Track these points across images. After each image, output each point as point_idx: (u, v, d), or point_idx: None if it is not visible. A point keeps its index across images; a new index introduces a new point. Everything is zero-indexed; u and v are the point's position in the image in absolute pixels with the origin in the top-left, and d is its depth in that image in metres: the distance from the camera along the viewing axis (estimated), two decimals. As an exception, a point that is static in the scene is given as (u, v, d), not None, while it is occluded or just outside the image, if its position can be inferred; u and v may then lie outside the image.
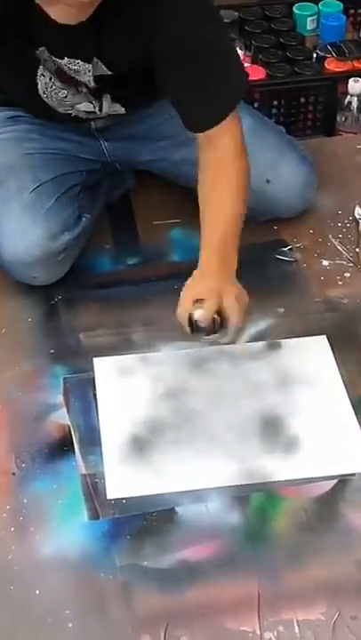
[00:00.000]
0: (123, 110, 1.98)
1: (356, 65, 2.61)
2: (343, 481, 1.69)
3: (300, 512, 1.64)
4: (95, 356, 1.88)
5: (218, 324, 1.75)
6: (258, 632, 1.49)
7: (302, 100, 2.57)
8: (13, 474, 1.70)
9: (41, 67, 1.85)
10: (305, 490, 1.68)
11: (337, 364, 1.86)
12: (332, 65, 2.61)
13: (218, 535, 1.61)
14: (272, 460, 1.70)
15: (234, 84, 1.84)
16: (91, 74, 1.83)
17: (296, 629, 1.49)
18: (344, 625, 1.50)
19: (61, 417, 1.79)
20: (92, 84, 1.86)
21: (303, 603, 1.52)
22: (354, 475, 1.69)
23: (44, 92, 1.90)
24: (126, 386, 1.83)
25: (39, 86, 1.89)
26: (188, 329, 1.76)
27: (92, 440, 1.74)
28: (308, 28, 2.78)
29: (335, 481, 1.68)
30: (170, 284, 2.03)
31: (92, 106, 1.95)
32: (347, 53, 2.63)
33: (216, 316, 1.74)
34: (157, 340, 1.92)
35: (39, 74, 1.87)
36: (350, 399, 1.80)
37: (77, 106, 1.94)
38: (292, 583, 1.55)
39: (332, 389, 1.83)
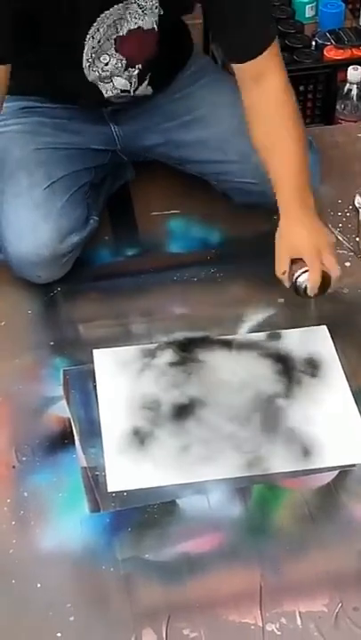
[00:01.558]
0: (151, 92, 1.99)
1: (355, 52, 2.60)
2: (344, 472, 1.68)
3: (302, 503, 1.64)
4: (95, 348, 1.88)
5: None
6: (260, 624, 1.48)
7: (302, 88, 2.56)
8: (14, 467, 1.70)
9: (92, 28, 1.82)
10: (306, 481, 1.68)
11: (338, 354, 1.86)
12: (332, 53, 2.60)
13: (219, 527, 1.61)
14: (273, 452, 1.70)
15: (273, 20, 1.93)
16: (157, 10, 1.83)
17: (298, 621, 1.49)
18: (346, 616, 1.49)
19: (61, 409, 1.78)
20: (157, 27, 1.86)
21: (305, 594, 1.52)
22: (355, 465, 1.69)
23: (87, 60, 1.87)
24: (126, 377, 1.83)
25: (85, 50, 1.86)
26: (293, 291, 1.81)
27: (93, 432, 1.74)
28: (307, 15, 2.77)
29: (336, 472, 1.68)
30: (169, 274, 2.04)
31: (128, 84, 1.94)
32: (346, 41, 2.62)
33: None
34: (157, 331, 1.91)
35: (88, 37, 1.84)
36: (351, 389, 1.80)
37: (115, 79, 1.93)
38: (294, 575, 1.55)
39: (333, 379, 1.82)
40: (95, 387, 1.81)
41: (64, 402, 1.79)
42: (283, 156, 1.82)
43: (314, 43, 2.64)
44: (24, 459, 1.71)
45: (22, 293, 2.00)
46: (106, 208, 2.17)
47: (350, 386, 1.80)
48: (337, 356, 1.86)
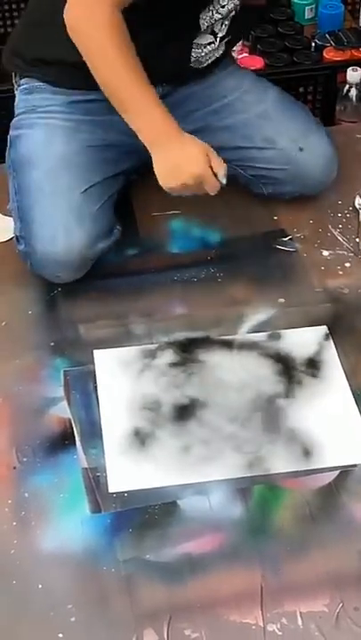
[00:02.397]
0: (223, 50, 2.03)
1: (354, 54, 2.61)
2: (345, 472, 1.68)
3: (303, 503, 1.64)
4: (95, 349, 1.88)
5: None
6: (261, 624, 1.48)
7: (301, 89, 2.56)
8: (14, 468, 1.70)
9: None
10: (307, 481, 1.68)
11: (338, 355, 1.86)
12: (331, 54, 2.60)
13: (220, 528, 1.61)
14: (274, 452, 1.70)
15: None
16: None
17: (299, 621, 1.49)
18: (347, 616, 1.49)
19: (62, 410, 1.78)
20: None
21: (306, 595, 1.52)
22: (355, 465, 1.69)
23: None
24: (127, 378, 1.83)
25: None
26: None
27: (94, 433, 1.74)
28: (307, 17, 2.78)
29: (337, 472, 1.68)
30: (170, 275, 2.04)
31: (211, 37, 1.98)
32: (345, 42, 2.62)
33: None
34: (158, 332, 1.91)
35: None
36: (352, 389, 1.80)
37: (216, 27, 1.96)
38: (295, 575, 1.55)
39: (333, 379, 1.82)
40: (96, 387, 1.81)
41: (65, 402, 1.79)
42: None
43: (313, 44, 2.64)
44: (25, 459, 1.71)
45: (23, 294, 2.00)
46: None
47: (350, 385, 1.81)
48: (337, 356, 1.86)
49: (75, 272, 1.98)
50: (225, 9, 1.94)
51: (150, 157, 1.90)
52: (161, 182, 1.88)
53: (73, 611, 1.50)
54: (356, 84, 2.48)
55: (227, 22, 1.98)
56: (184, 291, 2.01)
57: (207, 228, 2.14)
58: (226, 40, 2.03)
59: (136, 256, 2.11)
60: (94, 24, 1.80)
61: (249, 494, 1.65)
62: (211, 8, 1.92)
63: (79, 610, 1.51)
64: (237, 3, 1.94)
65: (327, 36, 2.64)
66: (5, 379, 1.85)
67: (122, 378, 1.83)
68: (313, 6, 2.78)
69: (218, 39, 2.00)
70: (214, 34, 1.98)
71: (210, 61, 2.04)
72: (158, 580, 1.54)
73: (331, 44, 2.62)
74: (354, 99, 2.49)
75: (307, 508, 1.64)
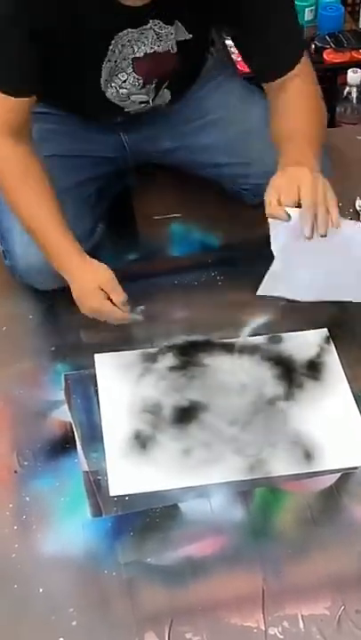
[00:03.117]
0: (169, 98, 1.98)
1: (354, 55, 2.61)
2: (346, 475, 1.68)
3: (304, 506, 1.64)
4: (96, 353, 1.88)
5: None
6: (262, 627, 1.48)
7: (301, 91, 2.56)
8: (15, 472, 1.70)
9: (109, 49, 1.82)
10: (308, 484, 1.68)
11: (339, 357, 1.86)
12: (331, 56, 2.61)
13: (221, 530, 1.61)
14: (275, 455, 1.70)
15: (299, 31, 1.90)
16: (173, 37, 1.82)
17: (301, 624, 1.49)
18: (348, 619, 1.49)
19: (63, 414, 1.79)
20: (175, 49, 1.84)
21: (307, 597, 1.52)
22: (357, 468, 1.69)
23: (105, 79, 1.87)
24: (128, 382, 1.83)
25: (102, 69, 1.85)
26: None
27: (94, 437, 1.74)
28: (307, 18, 2.77)
29: (338, 475, 1.68)
30: (170, 278, 2.04)
31: (146, 97, 1.94)
32: (345, 44, 2.62)
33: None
34: (158, 335, 1.91)
35: (104, 57, 1.83)
36: (352, 392, 1.80)
37: (133, 97, 1.92)
38: (297, 578, 1.55)
39: (334, 382, 1.82)
40: (97, 391, 1.82)
41: (65, 406, 1.79)
42: (300, 136, 1.80)
43: (313, 46, 2.65)
44: (26, 463, 1.71)
45: (23, 298, 2.00)
46: (107, 212, 2.17)
47: (351, 388, 1.80)
48: (338, 359, 1.86)
49: (61, 279, 1.96)
50: (127, 83, 1.89)
51: (131, 155, 1.93)
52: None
53: (74, 614, 1.50)
54: (357, 86, 2.48)
55: (156, 81, 1.92)
56: (184, 294, 2.01)
57: (208, 232, 2.14)
58: (168, 87, 1.97)
59: (137, 260, 2.11)
60: None
61: (250, 497, 1.65)
62: (112, 85, 1.89)
63: (80, 613, 1.51)
64: (140, 77, 1.89)
65: (327, 37, 2.65)
66: (6, 383, 1.85)
67: (122, 381, 1.83)
68: (313, 8, 2.78)
69: (151, 100, 1.96)
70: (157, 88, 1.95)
71: (164, 99, 1.99)
72: (159, 584, 1.54)
73: (331, 46, 2.62)
74: (354, 100, 2.50)
75: (308, 511, 1.63)
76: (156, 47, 1.83)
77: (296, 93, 1.84)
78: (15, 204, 1.86)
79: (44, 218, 1.84)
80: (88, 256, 1.85)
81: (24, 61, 1.76)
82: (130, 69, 1.87)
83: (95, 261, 1.85)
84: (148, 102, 1.96)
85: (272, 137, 1.85)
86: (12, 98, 1.79)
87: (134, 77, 1.88)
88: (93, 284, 1.82)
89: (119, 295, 1.82)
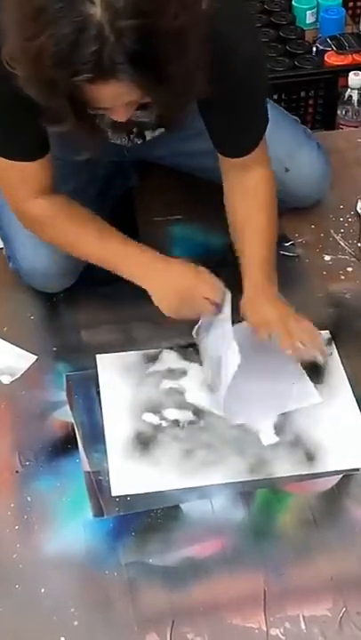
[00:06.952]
0: (163, 130, 1.97)
1: (356, 58, 2.61)
2: (348, 476, 1.68)
3: (305, 508, 1.64)
4: (98, 353, 1.88)
5: None
6: (264, 628, 1.48)
7: (302, 94, 2.57)
8: (17, 472, 1.70)
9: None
10: (310, 485, 1.68)
11: (341, 359, 1.86)
12: (332, 58, 2.60)
13: (223, 531, 1.61)
14: (277, 456, 1.70)
15: (266, 115, 1.85)
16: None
17: (302, 625, 1.49)
18: (350, 620, 1.49)
19: (65, 414, 1.78)
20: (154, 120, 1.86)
21: (309, 599, 1.52)
22: (358, 470, 1.69)
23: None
24: (129, 382, 1.83)
25: None
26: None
27: (96, 437, 1.74)
28: (308, 21, 2.77)
29: (340, 476, 1.68)
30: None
31: (141, 139, 1.97)
32: (347, 47, 2.62)
33: None
34: (160, 336, 1.91)
35: None
36: (354, 394, 1.80)
37: (112, 141, 1.95)
38: (298, 579, 1.55)
39: (336, 384, 1.82)
40: (98, 391, 1.82)
41: (67, 407, 1.79)
42: (253, 233, 1.84)
43: (314, 48, 2.64)
44: (27, 463, 1.71)
45: (24, 299, 2.00)
46: (108, 214, 2.17)
47: (353, 390, 1.81)
48: (340, 361, 1.86)
49: (62, 282, 1.98)
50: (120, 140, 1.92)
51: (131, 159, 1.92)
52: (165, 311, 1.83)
53: (76, 614, 1.50)
54: (358, 89, 2.48)
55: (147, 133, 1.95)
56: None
57: (209, 233, 2.14)
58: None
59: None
60: (39, 222, 1.85)
61: (252, 498, 1.66)
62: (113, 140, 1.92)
63: (82, 614, 1.51)
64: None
65: (328, 40, 2.64)
66: (8, 383, 1.84)
67: (124, 382, 1.83)
68: (314, 11, 2.78)
69: (146, 140, 1.98)
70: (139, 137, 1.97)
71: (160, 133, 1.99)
72: (161, 584, 1.54)
73: (332, 49, 2.62)
74: (355, 103, 2.50)
75: (310, 513, 1.64)
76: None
77: (256, 184, 1.85)
78: (77, 248, 1.87)
79: (108, 244, 1.84)
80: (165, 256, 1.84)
81: (30, 129, 1.71)
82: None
83: (175, 260, 1.85)
84: (144, 140, 1.98)
85: (228, 215, 1.88)
86: (31, 162, 1.78)
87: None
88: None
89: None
